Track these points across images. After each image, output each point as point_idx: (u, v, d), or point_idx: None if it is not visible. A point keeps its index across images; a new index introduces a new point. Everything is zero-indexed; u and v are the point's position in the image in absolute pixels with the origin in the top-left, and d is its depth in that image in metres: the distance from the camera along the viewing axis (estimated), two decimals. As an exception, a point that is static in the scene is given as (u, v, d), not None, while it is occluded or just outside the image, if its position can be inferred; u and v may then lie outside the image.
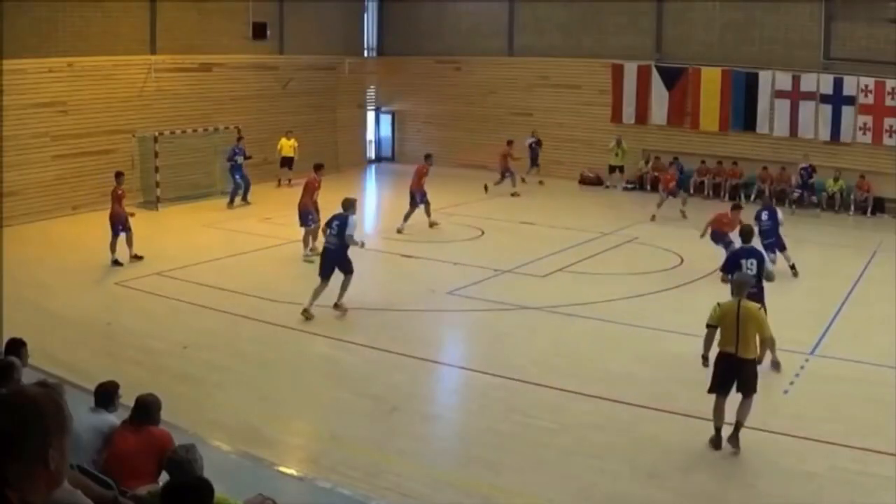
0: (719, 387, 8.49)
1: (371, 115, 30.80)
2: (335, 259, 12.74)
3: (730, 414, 8.53)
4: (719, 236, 15.34)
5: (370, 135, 30.90)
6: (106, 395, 6.52)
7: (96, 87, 21.02)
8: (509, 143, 24.12)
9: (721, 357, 8.50)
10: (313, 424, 9.64)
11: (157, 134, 21.47)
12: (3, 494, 2.09)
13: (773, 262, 13.95)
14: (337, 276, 12.83)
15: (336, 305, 12.76)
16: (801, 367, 10.85)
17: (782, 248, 15.32)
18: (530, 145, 25.56)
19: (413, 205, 18.82)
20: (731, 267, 10.84)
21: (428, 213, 19.09)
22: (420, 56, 29.22)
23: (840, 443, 8.58)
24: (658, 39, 25.50)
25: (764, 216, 15.33)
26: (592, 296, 14.19)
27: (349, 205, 12.92)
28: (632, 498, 7.74)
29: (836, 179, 22.45)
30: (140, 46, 22.24)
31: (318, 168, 17.04)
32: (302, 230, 16.51)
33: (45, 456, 2.15)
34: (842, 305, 13.76)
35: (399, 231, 18.55)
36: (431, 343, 12.34)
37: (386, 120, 31.20)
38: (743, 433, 8.48)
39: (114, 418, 6.42)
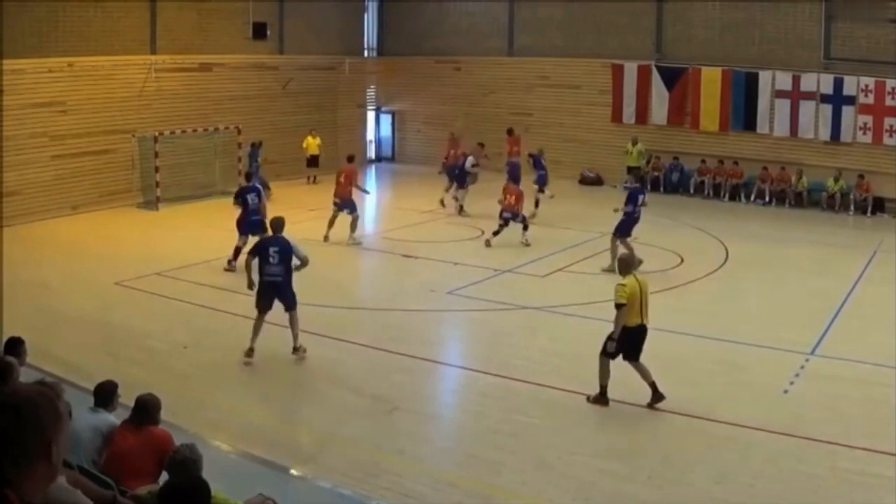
0: (625, 355, 9.42)
1: (371, 115, 30.80)
2: (280, 291, 10.96)
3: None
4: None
5: (370, 135, 30.90)
6: (105, 395, 6.52)
7: (96, 87, 21.03)
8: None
9: (632, 330, 9.36)
10: (313, 424, 9.63)
11: (156, 134, 21.45)
12: (2, 494, 2.09)
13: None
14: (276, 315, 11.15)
15: (295, 349, 10.99)
16: (801, 367, 10.84)
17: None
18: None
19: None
20: (631, 201, 15.47)
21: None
22: (420, 56, 29.22)
23: (840, 443, 8.58)
24: (658, 39, 25.49)
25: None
26: (592, 296, 14.16)
27: (281, 225, 11.27)
28: (632, 498, 7.73)
29: (836, 179, 22.43)
30: (140, 46, 22.25)
31: (350, 159, 18.62)
32: (349, 217, 17.47)
33: (48, 453, 2.15)
34: (842, 305, 13.75)
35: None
36: (431, 343, 12.33)
37: (386, 120, 31.19)
38: (742, 432, 8.77)
39: (113, 418, 6.42)
